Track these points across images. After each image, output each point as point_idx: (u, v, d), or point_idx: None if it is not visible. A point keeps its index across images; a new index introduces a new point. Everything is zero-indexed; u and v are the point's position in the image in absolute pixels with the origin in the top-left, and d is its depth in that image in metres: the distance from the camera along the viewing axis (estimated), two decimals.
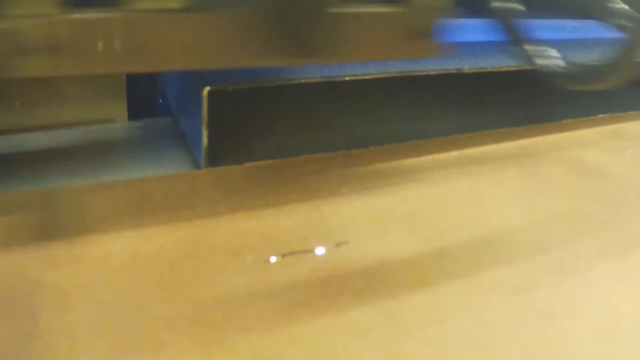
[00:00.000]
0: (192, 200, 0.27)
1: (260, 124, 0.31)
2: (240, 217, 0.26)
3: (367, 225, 0.26)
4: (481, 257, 0.25)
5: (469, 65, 0.35)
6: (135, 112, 0.36)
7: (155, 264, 0.22)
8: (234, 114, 0.30)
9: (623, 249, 0.26)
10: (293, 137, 0.32)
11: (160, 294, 0.21)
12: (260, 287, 0.22)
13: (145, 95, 0.38)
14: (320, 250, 0.24)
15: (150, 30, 0.22)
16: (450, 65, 0.35)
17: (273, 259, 0.23)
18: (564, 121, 0.41)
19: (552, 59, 0.28)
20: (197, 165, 0.31)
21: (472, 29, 0.39)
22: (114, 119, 0.35)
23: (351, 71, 0.32)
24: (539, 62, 0.28)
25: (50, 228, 0.24)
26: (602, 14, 0.29)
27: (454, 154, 0.34)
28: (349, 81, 0.32)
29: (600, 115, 0.43)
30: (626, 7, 0.28)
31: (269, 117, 0.31)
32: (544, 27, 0.34)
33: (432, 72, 0.34)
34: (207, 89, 0.28)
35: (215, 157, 0.30)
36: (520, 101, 0.40)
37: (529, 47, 0.29)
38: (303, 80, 0.31)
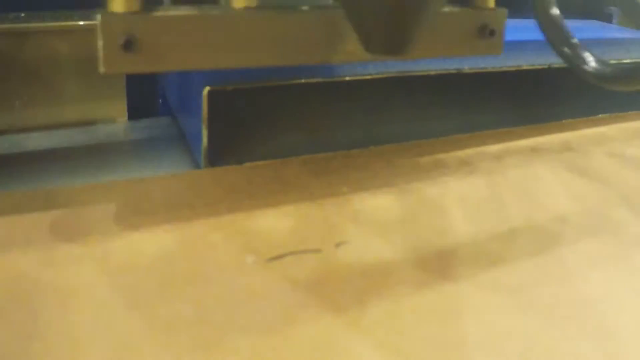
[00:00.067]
0: (192, 200, 0.27)
1: (260, 124, 0.31)
2: (240, 217, 0.26)
3: (367, 225, 0.26)
4: (481, 257, 0.25)
5: (469, 65, 0.35)
6: (135, 112, 0.36)
7: (155, 264, 0.22)
8: (234, 114, 0.30)
9: (623, 249, 0.26)
10: (293, 137, 0.32)
11: (160, 294, 0.21)
12: (260, 287, 0.22)
13: (145, 95, 0.38)
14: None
15: (244, 27, 0.24)
16: (450, 65, 0.35)
17: (273, 259, 0.23)
18: (564, 121, 0.41)
19: (590, 59, 0.29)
20: (197, 165, 0.31)
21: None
22: (114, 119, 0.35)
23: (351, 71, 0.32)
24: (579, 62, 0.29)
25: (50, 228, 0.24)
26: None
27: (454, 154, 0.34)
28: (349, 81, 0.32)
29: (600, 115, 0.43)
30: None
31: (269, 117, 0.31)
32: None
33: (432, 72, 0.34)
34: (207, 89, 0.28)
35: (215, 157, 0.30)
36: (520, 101, 0.40)
37: (570, 47, 0.29)
38: (303, 80, 0.31)
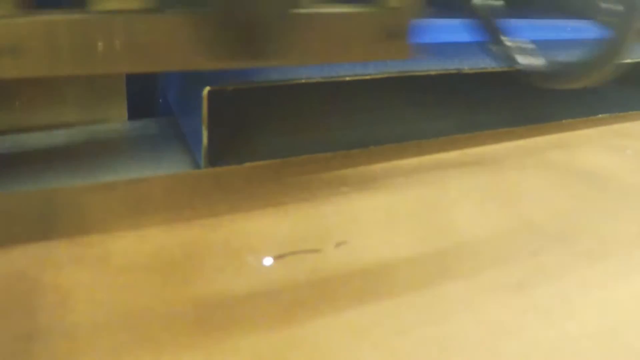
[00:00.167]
0: (192, 200, 0.27)
1: (260, 124, 0.31)
2: (240, 217, 0.26)
3: (367, 225, 0.26)
4: (481, 257, 0.25)
5: (468, 65, 0.35)
6: (135, 112, 0.36)
7: (155, 264, 0.22)
8: (234, 114, 0.30)
9: (623, 249, 0.26)
10: (293, 137, 0.32)
11: (160, 294, 0.21)
12: (260, 287, 0.22)
13: (145, 95, 0.38)
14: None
15: (111, 31, 0.22)
16: (450, 65, 0.35)
17: (273, 259, 0.23)
18: (564, 121, 0.41)
19: (531, 57, 0.29)
20: (197, 165, 0.31)
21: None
22: (114, 119, 0.35)
23: (351, 71, 0.32)
24: (519, 61, 0.28)
25: (50, 228, 0.24)
26: (590, 12, 0.29)
27: (454, 154, 0.34)
28: (349, 81, 0.32)
29: (600, 115, 0.43)
30: (613, 5, 0.28)
31: (269, 117, 0.31)
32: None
33: (432, 72, 0.34)
34: (207, 89, 0.28)
35: (215, 157, 0.30)
36: (521, 101, 0.40)
37: (508, 46, 0.29)
38: (303, 80, 0.31)
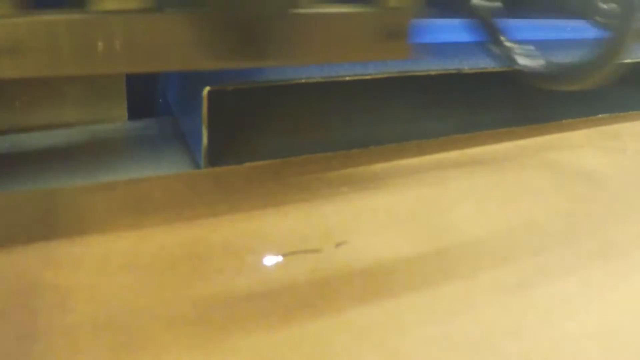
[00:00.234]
0: (192, 200, 0.27)
1: (260, 124, 0.31)
2: (240, 217, 0.26)
3: (367, 225, 0.26)
4: (481, 257, 0.25)
5: (468, 65, 0.35)
6: (135, 112, 0.36)
7: (155, 264, 0.22)
8: (234, 114, 0.30)
9: (623, 249, 0.26)
10: (293, 137, 0.32)
11: (160, 294, 0.21)
12: (260, 287, 0.22)
13: (145, 95, 0.38)
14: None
15: (111, 31, 0.22)
16: (450, 65, 0.35)
17: (273, 259, 0.23)
18: (563, 121, 0.41)
19: (531, 58, 0.29)
20: (197, 165, 0.31)
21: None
22: (114, 119, 0.35)
23: (351, 71, 0.32)
24: (519, 61, 0.28)
25: (50, 228, 0.24)
26: (588, 12, 0.29)
27: (454, 154, 0.34)
28: (349, 81, 0.32)
29: (600, 115, 0.43)
30: (612, 5, 0.28)
31: (269, 117, 0.31)
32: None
33: (432, 72, 0.34)
34: (207, 89, 0.28)
35: (215, 157, 0.30)
36: (521, 101, 0.40)
37: (507, 47, 0.29)
38: (303, 80, 0.31)
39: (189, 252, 0.23)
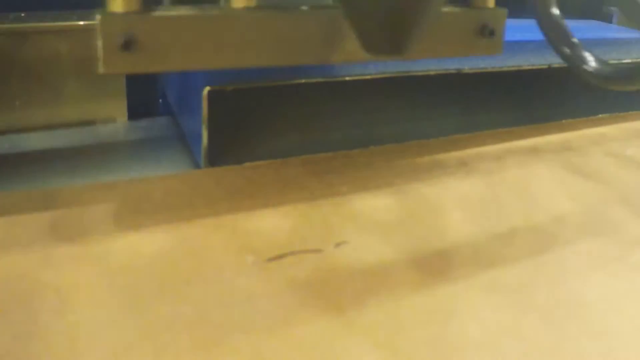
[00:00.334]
0: (192, 200, 0.27)
1: (260, 124, 0.31)
2: (240, 217, 0.26)
3: (366, 226, 0.26)
4: (481, 257, 0.25)
5: (468, 65, 0.35)
6: (135, 112, 0.36)
7: (155, 264, 0.22)
8: (234, 114, 0.30)
9: (623, 249, 0.26)
10: (293, 137, 0.32)
11: (160, 294, 0.21)
12: (260, 287, 0.22)
13: (145, 95, 0.38)
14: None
15: (243, 27, 0.24)
16: (450, 65, 0.35)
17: (273, 259, 0.23)
18: (564, 121, 0.41)
19: (591, 59, 0.29)
20: (197, 165, 0.31)
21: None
22: (114, 119, 0.35)
23: (351, 71, 0.32)
24: (579, 62, 0.29)
25: (50, 228, 0.24)
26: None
27: (454, 154, 0.34)
28: (349, 81, 0.32)
29: (600, 115, 0.43)
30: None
31: (269, 117, 0.31)
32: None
33: (432, 72, 0.34)
34: (207, 89, 0.28)
35: (215, 157, 0.30)
36: (520, 101, 0.40)
37: (576, 46, 0.29)
38: (303, 80, 0.31)
39: (189, 252, 0.23)
